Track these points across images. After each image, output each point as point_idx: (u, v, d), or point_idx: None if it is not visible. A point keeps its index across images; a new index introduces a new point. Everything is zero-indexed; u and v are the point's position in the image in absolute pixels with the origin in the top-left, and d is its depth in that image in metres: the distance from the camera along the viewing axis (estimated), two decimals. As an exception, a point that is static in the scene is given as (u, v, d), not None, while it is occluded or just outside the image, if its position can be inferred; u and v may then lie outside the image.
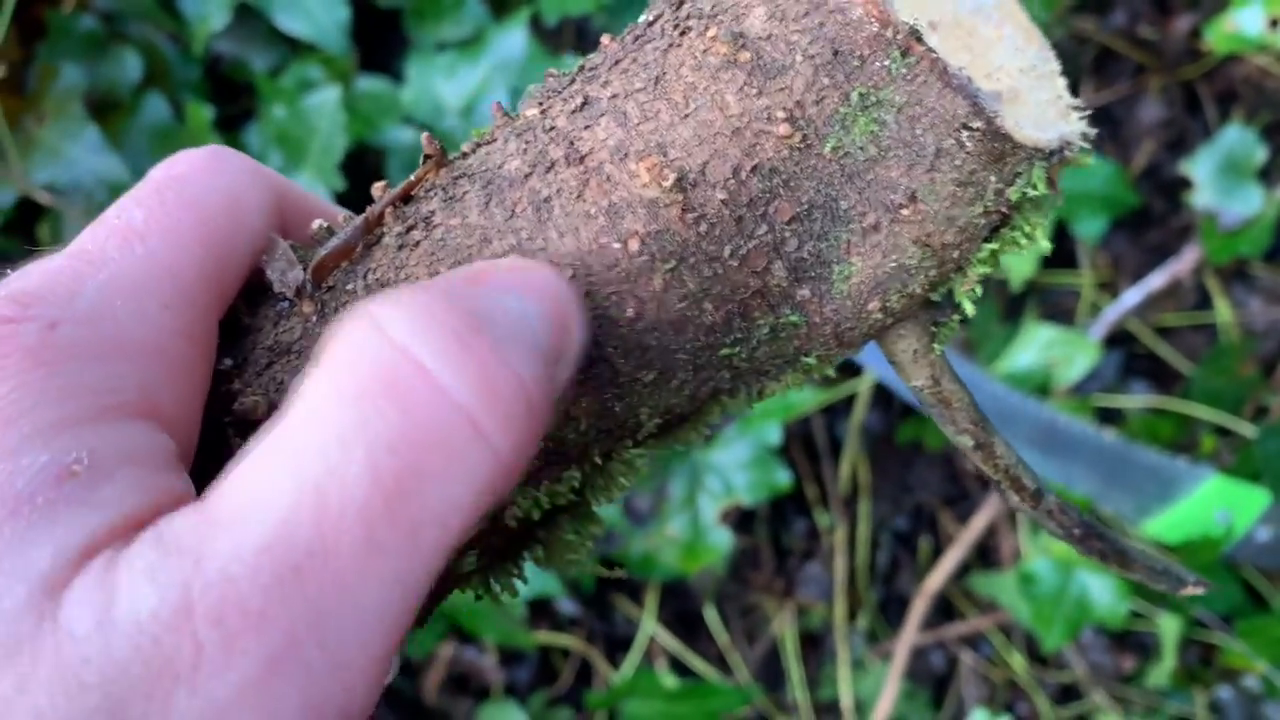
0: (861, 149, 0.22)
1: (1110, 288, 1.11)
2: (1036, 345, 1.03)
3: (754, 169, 0.23)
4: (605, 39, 0.25)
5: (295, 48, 0.91)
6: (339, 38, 0.82)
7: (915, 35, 0.21)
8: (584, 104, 0.24)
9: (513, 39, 0.87)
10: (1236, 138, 0.99)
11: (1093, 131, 0.23)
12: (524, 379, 0.21)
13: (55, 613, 0.19)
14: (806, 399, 0.99)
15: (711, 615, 1.06)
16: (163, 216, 0.24)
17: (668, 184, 0.22)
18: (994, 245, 0.24)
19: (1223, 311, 1.07)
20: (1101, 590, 0.94)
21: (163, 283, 0.23)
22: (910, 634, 1.04)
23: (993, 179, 0.22)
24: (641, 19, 0.25)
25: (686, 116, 0.23)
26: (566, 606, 1.05)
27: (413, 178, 0.25)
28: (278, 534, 0.19)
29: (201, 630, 0.18)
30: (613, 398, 0.24)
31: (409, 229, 0.24)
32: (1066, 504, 0.26)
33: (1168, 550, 1.02)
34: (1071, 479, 1.02)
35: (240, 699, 0.18)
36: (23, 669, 0.18)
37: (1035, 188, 0.22)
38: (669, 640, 1.04)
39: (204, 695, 0.18)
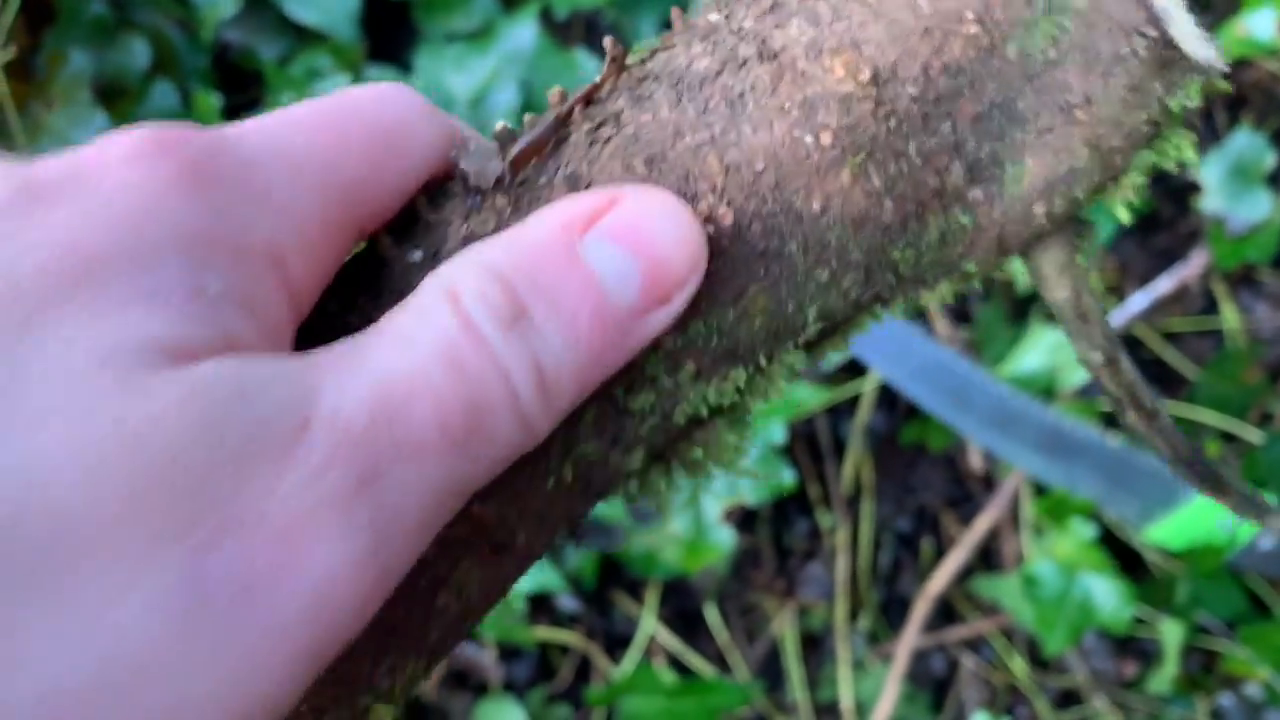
0: (1042, 52, 0.23)
1: (1117, 291, 1.11)
2: (1043, 348, 1.03)
3: (943, 68, 0.24)
4: None
5: (304, 37, 0.91)
6: (349, 26, 0.82)
7: None
8: (772, 6, 0.25)
9: (523, 32, 0.87)
10: (1246, 142, 0.99)
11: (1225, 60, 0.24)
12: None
13: (150, 380, 0.20)
14: (811, 398, 0.99)
15: (712, 615, 1.05)
16: (329, 115, 0.25)
17: (863, 78, 0.23)
18: (1150, 155, 0.25)
19: (1229, 317, 1.07)
20: (1105, 594, 0.94)
21: (315, 165, 0.24)
22: (911, 636, 1.04)
23: (1158, 87, 0.23)
24: None
25: (879, 16, 0.24)
26: (567, 603, 1.05)
27: (596, 80, 0.26)
28: (380, 391, 0.21)
29: (314, 434, 0.20)
30: (788, 295, 0.25)
31: (599, 126, 0.25)
32: (1175, 426, 0.27)
33: (1171, 556, 1.02)
34: (1076, 483, 1.01)
35: (324, 508, 0.20)
36: (100, 428, 0.19)
37: (1191, 100, 0.24)
38: (669, 639, 1.03)
39: (294, 489, 0.20)
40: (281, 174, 0.23)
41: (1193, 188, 1.05)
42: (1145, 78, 0.23)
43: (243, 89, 0.95)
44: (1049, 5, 0.23)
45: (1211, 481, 0.28)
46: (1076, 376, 1.02)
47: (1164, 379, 1.11)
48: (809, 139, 0.23)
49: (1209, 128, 1.11)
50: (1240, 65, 1.06)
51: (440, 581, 0.24)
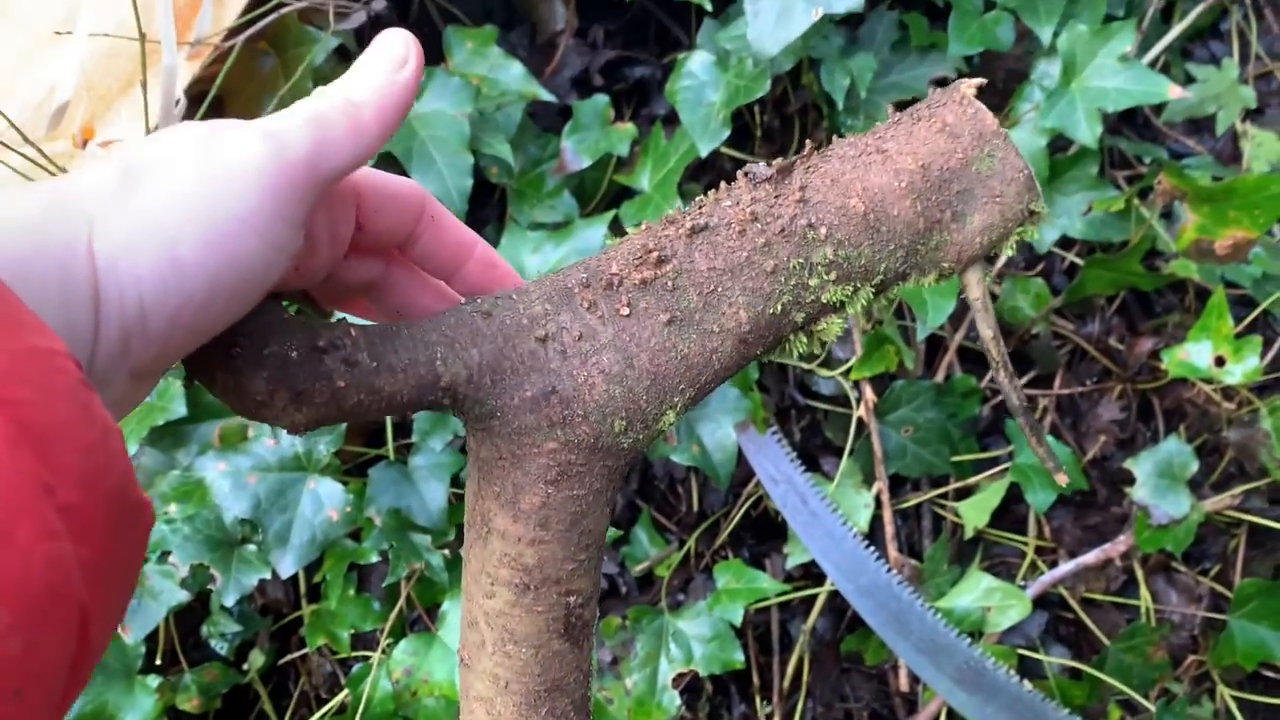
0: (987, 169, 0.46)
1: (1049, 554, 1.24)
2: (978, 591, 1.15)
3: (948, 169, 0.46)
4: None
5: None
6: (460, 202, 0.97)
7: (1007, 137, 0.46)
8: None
9: (594, 232, 1.03)
10: (1175, 448, 1.15)
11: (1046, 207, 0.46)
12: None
13: None
14: (772, 588, 1.10)
15: (644, 774, 1.13)
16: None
17: (926, 171, 0.46)
18: (1024, 229, 0.47)
19: (1145, 598, 1.20)
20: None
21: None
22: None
23: (1028, 199, 0.46)
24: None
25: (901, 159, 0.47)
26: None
27: (806, 151, 0.47)
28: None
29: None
30: (878, 251, 0.46)
31: (809, 170, 0.46)
32: (1021, 387, 0.46)
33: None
34: (989, 719, 1.12)
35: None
36: None
37: (1041, 210, 0.47)
38: (600, 789, 1.11)
39: None
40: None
41: (1127, 477, 1.20)
42: (1023, 192, 0.46)
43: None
44: (988, 150, 0.46)
45: (1035, 431, 0.49)
46: (1004, 621, 1.14)
47: (1078, 640, 1.23)
48: (897, 184, 0.45)
49: (1148, 429, 1.27)
50: (1180, 382, 1.23)
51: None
